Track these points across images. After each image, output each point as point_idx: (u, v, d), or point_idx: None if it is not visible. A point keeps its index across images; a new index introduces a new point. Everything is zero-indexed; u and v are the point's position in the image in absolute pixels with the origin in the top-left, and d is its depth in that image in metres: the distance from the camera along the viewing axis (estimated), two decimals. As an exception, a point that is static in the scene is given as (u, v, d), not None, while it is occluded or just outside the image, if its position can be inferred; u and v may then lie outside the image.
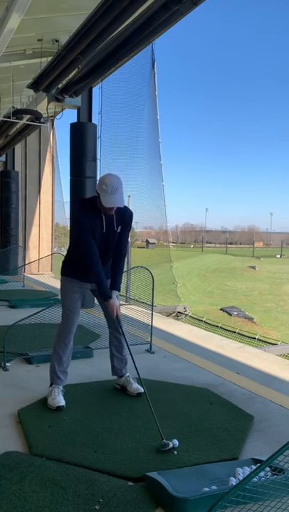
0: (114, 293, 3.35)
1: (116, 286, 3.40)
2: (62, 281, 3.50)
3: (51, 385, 3.38)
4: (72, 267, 3.44)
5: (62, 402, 3.24)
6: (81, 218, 3.24)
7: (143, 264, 5.48)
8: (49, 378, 3.42)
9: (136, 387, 3.57)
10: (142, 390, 3.55)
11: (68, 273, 3.46)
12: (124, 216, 3.38)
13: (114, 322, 3.57)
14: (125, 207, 3.38)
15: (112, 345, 3.64)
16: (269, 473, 2.24)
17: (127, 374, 3.66)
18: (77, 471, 2.38)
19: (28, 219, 14.26)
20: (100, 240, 3.28)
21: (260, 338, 11.25)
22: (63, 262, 3.54)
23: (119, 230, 3.36)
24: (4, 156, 13.06)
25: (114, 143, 11.34)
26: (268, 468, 2.22)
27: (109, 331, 3.64)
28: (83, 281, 3.42)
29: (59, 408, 3.20)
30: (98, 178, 7.71)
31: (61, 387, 3.35)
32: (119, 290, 3.42)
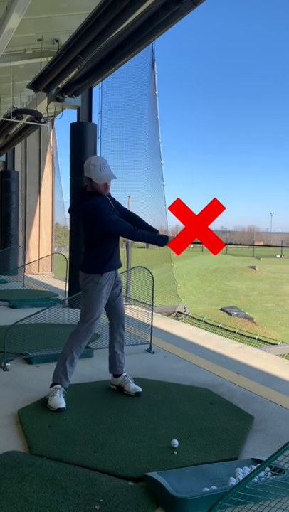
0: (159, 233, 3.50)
1: (153, 229, 3.57)
2: (94, 281, 3.30)
3: (53, 385, 3.35)
4: (106, 260, 3.33)
5: (63, 404, 3.22)
6: (102, 205, 3.27)
7: (143, 264, 5.48)
8: (53, 378, 3.37)
9: (134, 386, 3.56)
10: (140, 390, 3.55)
11: (105, 267, 3.32)
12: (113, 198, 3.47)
13: (120, 319, 3.57)
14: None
15: (116, 342, 3.62)
16: (269, 473, 2.24)
17: (124, 374, 3.66)
18: (78, 471, 2.38)
19: (28, 219, 14.26)
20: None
21: (260, 338, 11.26)
22: (90, 259, 3.36)
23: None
24: (4, 156, 13.07)
25: (114, 143, 11.34)
26: (267, 468, 2.22)
27: (114, 329, 3.61)
28: (115, 270, 3.46)
29: (60, 410, 3.18)
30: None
31: (63, 389, 3.34)
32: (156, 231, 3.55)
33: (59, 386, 3.32)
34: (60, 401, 3.23)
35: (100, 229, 3.27)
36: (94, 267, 3.33)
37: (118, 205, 3.52)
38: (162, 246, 3.40)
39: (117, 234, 3.38)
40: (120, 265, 3.51)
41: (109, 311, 3.59)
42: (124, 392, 3.57)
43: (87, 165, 3.29)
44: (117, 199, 3.56)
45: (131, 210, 3.68)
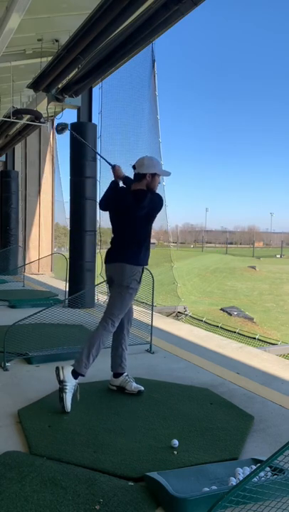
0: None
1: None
2: (128, 273, 3.37)
3: (77, 376, 3.25)
4: (140, 253, 3.44)
5: (69, 409, 3.17)
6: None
7: (143, 264, 5.47)
8: (79, 368, 3.26)
9: (136, 385, 3.56)
10: (142, 388, 3.54)
11: (138, 260, 3.42)
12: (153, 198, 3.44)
13: (129, 314, 3.58)
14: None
15: (123, 339, 3.62)
16: (269, 473, 2.24)
17: (126, 373, 3.66)
18: (78, 471, 2.38)
19: (28, 219, 14.25)
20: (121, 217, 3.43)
21: (260, 338, 11.25)
22: (128, 250, 3.43)
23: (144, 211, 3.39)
24: (4, 156, 13.06)
25: (114, 143, 11.31)
26: (268, 468, 2.22)
27: (123, 325, 3.59)
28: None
29: (64, 412, 3.14)
30: (98, 179, 7.75)
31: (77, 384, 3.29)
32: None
33: (77, 383, 3.25)
34: (69, 405, 3.17)
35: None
36: (129, 256, 3.42)
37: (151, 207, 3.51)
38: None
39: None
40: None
41: None
42: (125, 392, 3.56)
43: (153, 162, 3.40)
44: None
45: None
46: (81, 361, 3.28)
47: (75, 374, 3.26)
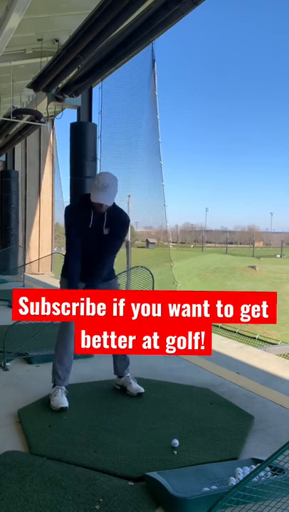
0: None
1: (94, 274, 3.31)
2: (60, 282, 3.55)
3: (54, 385, 3.37)
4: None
5: (65, 404, 3.22)
6: (68, 216, 3.38)
7: (143, 264, 5.48)
8: (51, 379, 3.40)
9: (136, 387, 3.56)
10: (143, 390, 3.54)
11: (65, 274, 3.48)
12: (119, 219, 3.34)
13: None
14: (122, 211, 3.39)
15: None
16: (269, 473, 2.24)
17: (128, 374, 3.66)
18: (78, 471, 2.38)
19: (28, 219, 14.26)
20: (87, 237, 3.28)
21: (260, 338, 11.27)
22: (64, 263, 3.57)
23: (107, 233, 3.29)
24: (4, 155, 13.07)
25: (114, 143, 11.31)
26: (268, 468, 2.22)
27: None
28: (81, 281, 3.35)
29: (62, 409, 3.18)
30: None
31: (64, 388, 3.34)
32: (95, 282, 3.27)
33: (58, 386, 3.33)
34: (62, 400, 3.22)
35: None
36: (62, 270, 3.52)
37: (114, 228, 3.31)
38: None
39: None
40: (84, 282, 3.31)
41: None
42: (126, 393, 3.57)
43: (96, 178, 3.28)
44: (117, 198, 3.47)
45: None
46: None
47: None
